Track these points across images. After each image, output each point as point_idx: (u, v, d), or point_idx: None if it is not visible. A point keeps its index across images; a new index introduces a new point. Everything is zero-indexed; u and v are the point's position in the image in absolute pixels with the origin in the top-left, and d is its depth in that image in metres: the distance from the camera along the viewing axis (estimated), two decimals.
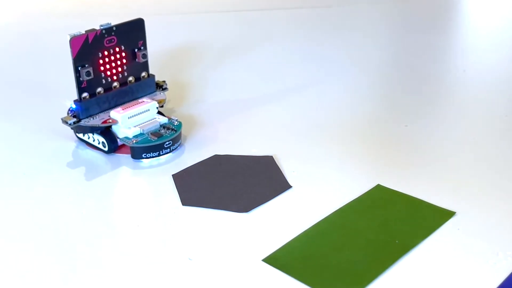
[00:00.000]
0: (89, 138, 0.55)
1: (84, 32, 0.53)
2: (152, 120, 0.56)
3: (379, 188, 0.49)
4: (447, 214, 0.46)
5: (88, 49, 0.53)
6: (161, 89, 0.60)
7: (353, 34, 0.88)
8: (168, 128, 0.55)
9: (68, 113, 0.55)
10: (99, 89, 0.55)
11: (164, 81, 0.61)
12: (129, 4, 1.02)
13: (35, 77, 0.74)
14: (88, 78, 0.53)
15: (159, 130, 0.55)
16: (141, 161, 0.54)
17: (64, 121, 0.54)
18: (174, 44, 0.82)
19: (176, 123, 0.56)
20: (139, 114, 0.55)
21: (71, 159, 0.55)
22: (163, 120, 0.56)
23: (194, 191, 0.49)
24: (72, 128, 0.55)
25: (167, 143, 0.54)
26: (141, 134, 0.54)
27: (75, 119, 0.54)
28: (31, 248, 0.43)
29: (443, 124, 0.60)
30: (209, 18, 0.96)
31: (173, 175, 0.52)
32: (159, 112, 0.57)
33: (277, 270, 0.41)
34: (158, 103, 0.57)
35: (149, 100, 0.57)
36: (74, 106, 0.54)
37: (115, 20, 0.56)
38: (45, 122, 0.61)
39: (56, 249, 0.43)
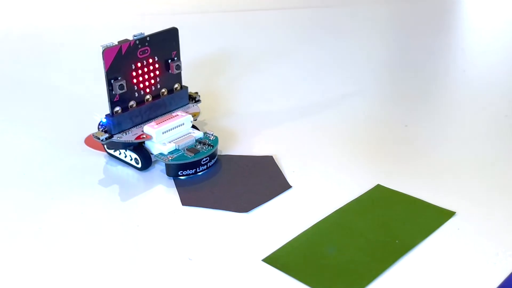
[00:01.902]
0: (120, 154, 0.53)
1: (116, 43, 0.50)
2: (187, 135, 0.53)
3: (379, 188, 0.49)
4: (447, 214, 0.46)
5: (121, 61, 0.50)
6: (193, 101, 0.57)
7: (352, 34, 0.88)
8: (204, 143, 0.52)
9: (98, 128, 0.52)
10: (132, 103, 0.52)
11: (196, 93, 0.57)
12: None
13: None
14: (121, 91, 0.50)
15: (195, 146, 0.52)
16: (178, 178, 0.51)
17: (96, 137, 0.51)
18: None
19: (212, 137, 0.53)
20: (173, 128, 0.52)
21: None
22: (199, 134, 0.53)
23: (194, 191, 0.49)
24: (103, 144, 0.52)
25: (204, 159, 0.51)
26: (176, 150, 0.51)
27: (107, 135, 0.51)
28: (30, 248, 0.43)
29: (443, 124, 0.60)
30: (211, 17, 0.96)
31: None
32: (193, 126, 0.54)
33: (277, 270, 0.41)
34: (192, 116, 0.54)
35: (183, 114, 0.54)
36: (104, 120, 0.51)
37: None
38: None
39: (55, 249, 0.43)
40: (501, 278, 0.39)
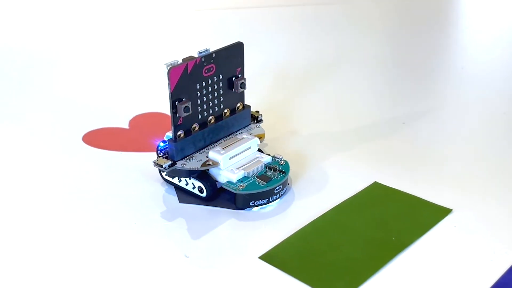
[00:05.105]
0: (180, 181, 0.48)
1: (181, 61, 0.46)
2: (255, 160, 0.48)
3: (376, 186, 0.49)
4: (443, 212, 0.46)
5: (186, 81, 0.46)
6: (255, 121, 0.53)
7: (350, 31, 0.88)
8: (274, 170, 0.47)
9: (157, 154, 0.47)
10: (194, 125, 0.48)
11: (257, 111, 0.53)
12: None
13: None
14: (186, 114, 0.46)
15: (265, 172, 0.47)
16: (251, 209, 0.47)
17: (158, 164, 0.46)
18: None
19: (282, 162, 0.48)
20: (240, 153, 0.48)
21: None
22: (267, 159, 0.48)
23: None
24: (165, 171, 0.47)
25: (277, 187, 0.46)
26: (245, 178, 0.46)
27: (170, 162, 0.46)
28: (30, 248, 0.43)
29: (441, 122, 0.60)
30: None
31: None
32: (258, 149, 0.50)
33: (273, 267, 0.41)
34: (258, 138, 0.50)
35: (249, 136, 0.49)
36: (162, 144, 0.47)
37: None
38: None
39: (55, 249, 0.43)
40: (498, 275, 0.39)
